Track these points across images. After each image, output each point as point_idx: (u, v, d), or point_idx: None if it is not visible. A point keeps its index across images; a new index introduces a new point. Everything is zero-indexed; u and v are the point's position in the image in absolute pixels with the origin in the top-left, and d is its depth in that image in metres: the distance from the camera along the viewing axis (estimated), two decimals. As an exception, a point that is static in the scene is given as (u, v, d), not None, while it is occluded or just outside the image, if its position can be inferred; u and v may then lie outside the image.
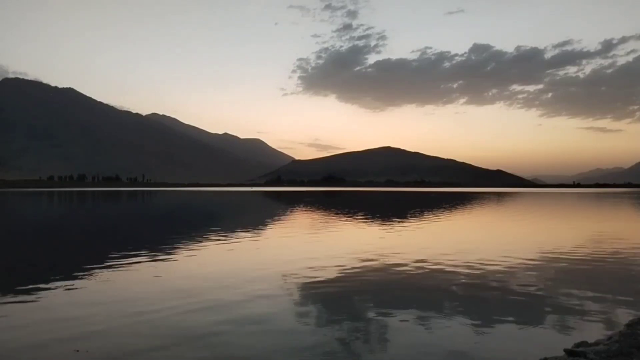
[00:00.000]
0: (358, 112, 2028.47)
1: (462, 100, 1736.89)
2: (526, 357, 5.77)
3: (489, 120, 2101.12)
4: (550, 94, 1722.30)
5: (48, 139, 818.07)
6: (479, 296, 9.05)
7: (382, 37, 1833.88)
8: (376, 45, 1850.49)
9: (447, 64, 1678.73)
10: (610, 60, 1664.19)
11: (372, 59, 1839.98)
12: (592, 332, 6.73)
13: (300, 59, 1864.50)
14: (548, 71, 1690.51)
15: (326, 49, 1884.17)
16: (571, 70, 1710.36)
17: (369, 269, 11.95)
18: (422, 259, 13.23)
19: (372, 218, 30.41)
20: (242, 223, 26.43)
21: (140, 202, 64.74)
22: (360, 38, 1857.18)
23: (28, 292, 9.25)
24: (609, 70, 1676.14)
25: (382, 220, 28.19)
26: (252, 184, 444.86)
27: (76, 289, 9.57)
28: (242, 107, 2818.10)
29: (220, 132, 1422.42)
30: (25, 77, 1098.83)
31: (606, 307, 8.20)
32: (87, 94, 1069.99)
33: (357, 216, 32.06)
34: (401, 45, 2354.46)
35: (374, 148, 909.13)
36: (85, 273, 11.24)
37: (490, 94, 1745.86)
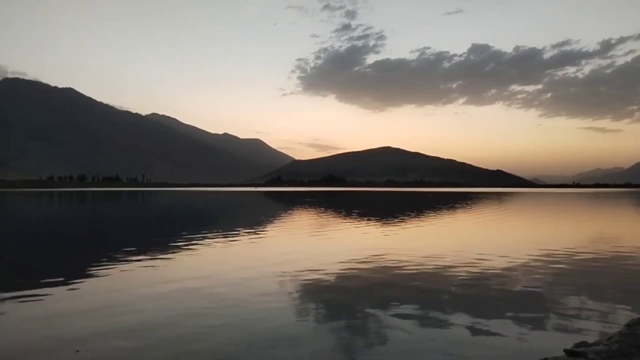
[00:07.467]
0: (358, 112, 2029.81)
1: (461, 101, 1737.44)
2: (526, 357, 5.78)
3: (489, 120, 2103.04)
4: (549, 94, 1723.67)
5: (48, 139, 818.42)
6: (479, 296, 9.02)
7: (381, 37, 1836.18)
8: (375, 46, 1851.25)
9: (446, 64, 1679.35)
10: (609, 61, 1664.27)
11: (371, 59, 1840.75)
12: (592, 332, 6.72)
13: (299, 59, 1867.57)
14: (547, 71, 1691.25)
15: (325, 49, 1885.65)
16: (570, 70, 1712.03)
17: (369, 268, 11.97)
18: (421, 259, 13.24)
19: (372, 218, 30.39)
20: (243, 223, 26.44)
21: (140, 202, 64.78)
22: (359, 38, 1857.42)
23: (28, 292, 9.22)
24: (608, 71, 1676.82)
25: (382, 221, 28.18)
26: (254, 184, 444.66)
27: (76, 289, 9.57)
28: (241, 107, 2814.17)
29: (220, 132, 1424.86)
30: (25, 77, 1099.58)
31: (606, 307, 8.18)
32: (87, 94, 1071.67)
33: (357, 216, 32.06)
34: (400, 46, 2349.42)
35: (374, 148, 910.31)
36: (86, 273, 11.25)
37: (489, 94, 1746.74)
